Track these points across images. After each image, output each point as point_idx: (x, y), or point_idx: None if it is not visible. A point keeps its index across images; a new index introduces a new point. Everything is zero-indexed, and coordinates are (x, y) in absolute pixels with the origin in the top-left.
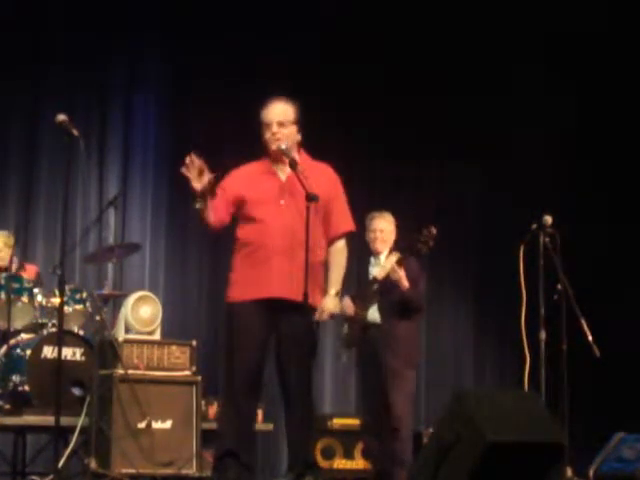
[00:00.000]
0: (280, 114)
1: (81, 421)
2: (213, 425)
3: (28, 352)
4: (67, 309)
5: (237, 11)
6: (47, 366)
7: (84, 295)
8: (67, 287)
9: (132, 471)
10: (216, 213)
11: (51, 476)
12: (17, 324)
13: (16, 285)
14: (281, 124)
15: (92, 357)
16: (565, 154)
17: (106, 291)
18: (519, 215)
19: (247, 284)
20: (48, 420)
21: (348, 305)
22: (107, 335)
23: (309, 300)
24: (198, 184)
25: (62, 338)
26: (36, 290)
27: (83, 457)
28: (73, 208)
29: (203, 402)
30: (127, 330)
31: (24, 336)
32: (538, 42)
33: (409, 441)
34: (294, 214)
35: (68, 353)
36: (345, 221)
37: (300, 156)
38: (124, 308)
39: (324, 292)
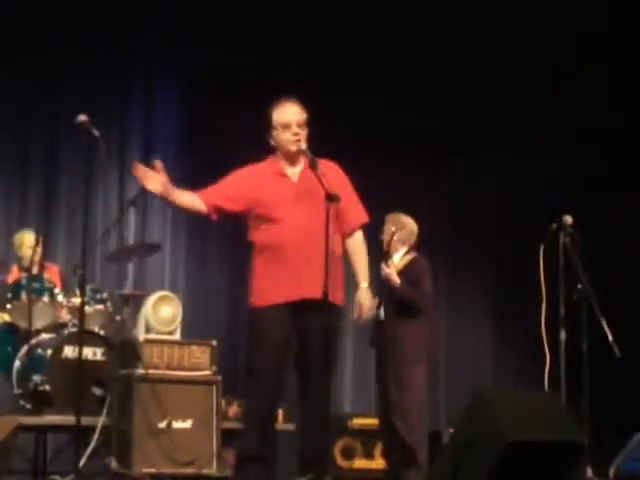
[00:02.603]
0: (298, 114)
1: (102, 421)
2: (233, 425)
3: (49, 352)
4: (88, 309)
5: (255, 8)
6: (68, 366)
7: (105, 295)
8: (88, 287)
9: (152, 470)
10: (209, 201)
11: (72, 476)
12: (38, 324)
13: (37, 285)
14: (299, 125)
15: (113, 357)
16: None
17: (127, 291)
18: (539, 215)
19: (270, 288)
20: (69, 420)
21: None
22: (127, 335)
23: (331, 298)
24: (157, 185)
25: (83, 338)
26: (57, 290)
27: (104, 457)
28: (94, 208)
29: (223, 402)
30: (147, 330)
31: (45, 336)
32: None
33: (422, 438)
34: (310, 213)
35: (89, 353)
36: (361, 213)
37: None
38: (144, 308)
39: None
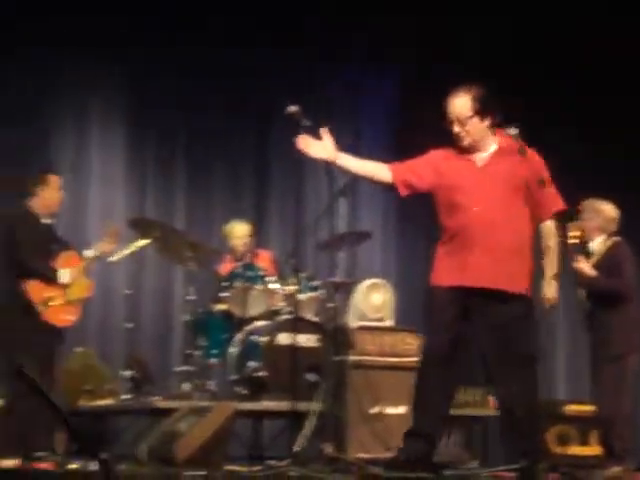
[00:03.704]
0: (456, 111)
1: (316, 406)
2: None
3: (264, 339)
4: (301, 296)
5: None
6: (282, 352)
7: (317, 283)
8: (301, 275)
9: (367, 456)
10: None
11: (288, 460)
12: (252, 311)
13: (250, 273)
14: (460, 120)
15: (326, 343)
16: None
17: (338, 279)
18: None
19: (445, 270)
20: (284, 405)
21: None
22: (340, 322)
23: (517, 287)
24: (321, 151)
25: (296, 325)
26: (270, 278)
27: (319, 442)
28: (305, 197)
29: None
30: (359, 317)
31: (259, 323)
32: None
33: (623, 430)
34: (492, 199)
35: (302, 340)
36: (556, 200)
37: (500, 139)
38: (356, 295)
39: (533, 278)
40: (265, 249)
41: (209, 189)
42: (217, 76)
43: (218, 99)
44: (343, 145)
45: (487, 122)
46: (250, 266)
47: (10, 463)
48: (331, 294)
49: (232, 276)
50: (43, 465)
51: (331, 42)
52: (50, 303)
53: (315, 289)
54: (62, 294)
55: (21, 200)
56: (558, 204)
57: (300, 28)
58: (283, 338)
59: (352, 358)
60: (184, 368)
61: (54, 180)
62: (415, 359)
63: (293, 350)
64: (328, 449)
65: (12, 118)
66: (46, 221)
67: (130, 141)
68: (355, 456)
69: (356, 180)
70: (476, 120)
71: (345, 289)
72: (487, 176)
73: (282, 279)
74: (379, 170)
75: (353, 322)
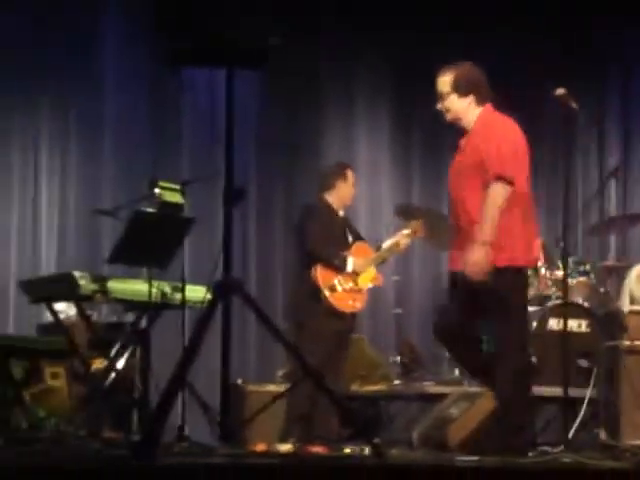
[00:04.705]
0: (438, 87)
1: (589, 392)
2: None
3: (534, 324)
4: (571, 281)
5: None
6: (553, 338)
7: (588, 267)
8: (570, 259)
9: None
10: None
11: (561, 447)
12: None
13: None
14: (441, 96)
15: (597, 329)
16: None
17: (609, 263)
18: None
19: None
20: (556, 391)
21: None
22: (612, 306)
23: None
24: None
25: (567, 310)
26: (540, 263)
27: (592, 428)
28: (574, 180)
29: None
30: (632, 301)
31: (529, 308)
32: None
33: None
34: (456, 185)
35: (573, 325)
36: (491, 165)
37: (478, 118)
38: (628, 279)
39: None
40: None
41: None
42: None
43: None
44: None
45: (469, 100)
46: None
47: (287, 447)
48: (602, 278)
49: None
50: (317, 449)
51: None
52: (337, 289)
53: (585, 274)
54: (350, 281)
55: (320, 191)
56: (494, 167)
57: None
58: (554, 323)
59: (625, 343)
60: None
61: (351, 175)
62: None
63: (564, 336)
64: (602, 435)
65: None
66: (341, 213)
67: (395, 127)
68: (629, 443)
69: (627, 162)
70: (454, 97)
71: (617, 273)
72: (456, 162)
73: (552, 264)
74: None
75: (626, 306)
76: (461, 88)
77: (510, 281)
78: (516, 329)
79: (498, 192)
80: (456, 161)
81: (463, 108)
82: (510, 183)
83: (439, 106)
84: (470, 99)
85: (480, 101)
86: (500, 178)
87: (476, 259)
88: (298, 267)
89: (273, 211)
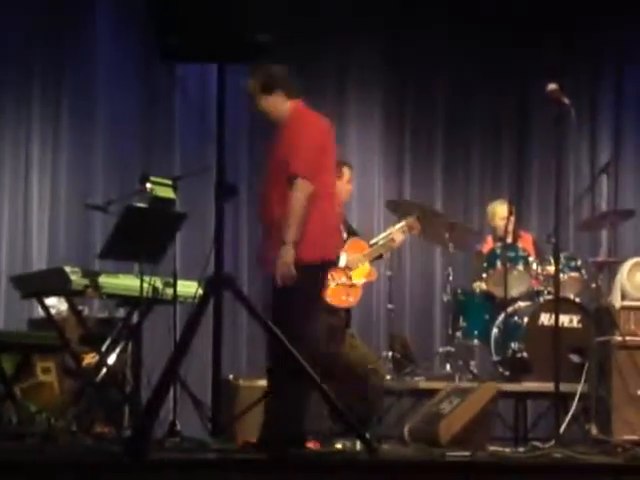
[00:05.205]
0: (247, 91)
1: (580, 388)
2: None
3: (525, 319)
4: (562, 277)
5: None
6: (545, 333)
7: (579, 263)
8: (562, 255)
9: (634, 437)
10: None
11: (552, 442)
12: (513, 292)
13: (511, 254)
14: (251, 98)
15: (589, 324)
16: None
17: (601, 258)
18: None
19: None
20: (547, 386)
21: None
22: (603, 302)
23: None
24: None
25: (558, 305)
26: (531, 259)
27: (583, 423)
28: (565, 176)
29: None
30: (623, 297)
31: (521, 304)
32: None
33: None
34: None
35: (565, 320)
36: (290, 164)
37: (288, 113)
38: (619, 275)
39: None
40: (526, 231)
41: (467, 170)
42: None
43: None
44: None
45: (275, 96)
46: (511, 247)
47: None
48: (594, 274)
49: (492, 256)
50: (309, 445)
51: None
52: (330, 284)
53: (577, 269)
54: (343, 276)
55: None
56: (292, 167)
57: None
58: (545, 319)
59: (617, 339)
60: (446, 349)
61: (347, 172)
62: None
63: (556, 331)
64: (593, 431)
65: None
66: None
67: (386, 123)
68: (621, 438)
69: (618, 157)
70: (261, 96)
71: (608, 268)
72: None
73: (543, 260)
74: None
75: (618, 302)
76: (266, 87)
77: (311, 277)
78: (311, 323)
79: (300, 189)
80: (268, 156)
81: (272, 105)
82: (310, 180)
83: (252, 108)
84: (276, 95)
85: (288, 96)
86: (299, 175)
87: (285, 260)
88: None
89: None
